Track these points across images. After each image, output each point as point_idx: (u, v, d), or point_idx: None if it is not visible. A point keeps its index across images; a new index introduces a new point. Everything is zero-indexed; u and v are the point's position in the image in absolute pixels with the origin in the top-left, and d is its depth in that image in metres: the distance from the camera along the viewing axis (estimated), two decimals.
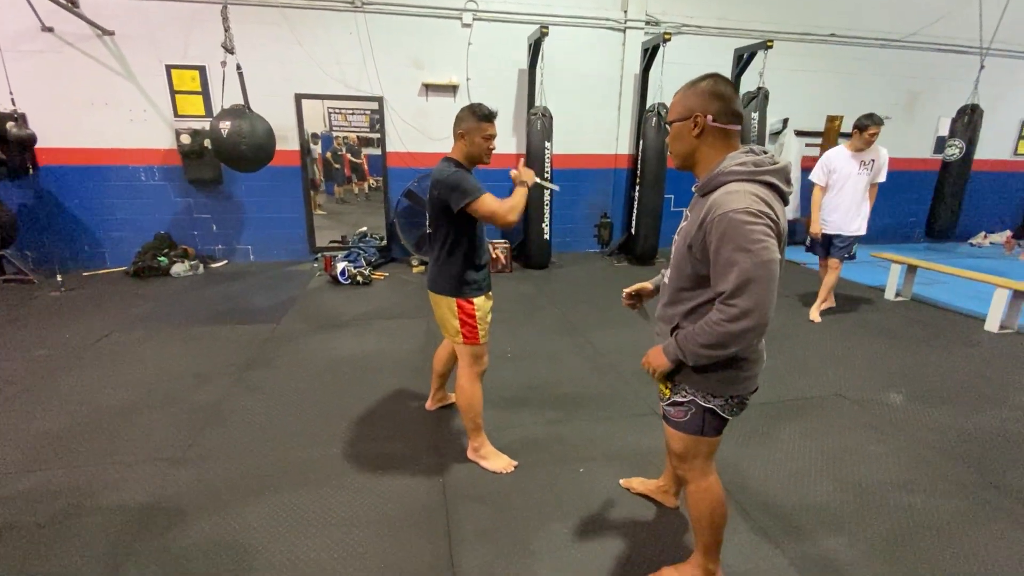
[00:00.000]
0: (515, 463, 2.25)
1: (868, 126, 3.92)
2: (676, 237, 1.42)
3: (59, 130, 5.25)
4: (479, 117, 2.01)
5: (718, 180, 1.26)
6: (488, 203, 1.95)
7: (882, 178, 4.04)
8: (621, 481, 2.16)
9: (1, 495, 2.03)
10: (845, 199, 4.05)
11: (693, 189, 1.38)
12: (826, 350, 3.64)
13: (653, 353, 1.44)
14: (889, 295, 4.92)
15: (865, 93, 7.11)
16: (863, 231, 4.12)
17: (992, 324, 4.07)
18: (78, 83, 5.21)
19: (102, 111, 5.33)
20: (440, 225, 2.05)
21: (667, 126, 1.38)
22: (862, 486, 2.18)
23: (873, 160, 3.98)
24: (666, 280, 1.49)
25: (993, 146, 7.75)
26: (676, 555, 1.78)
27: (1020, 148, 8.11)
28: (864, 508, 2.04)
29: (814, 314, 4.28)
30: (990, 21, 6.35)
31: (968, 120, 6.19)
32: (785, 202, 1.28)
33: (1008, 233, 7.97)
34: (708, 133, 1.30)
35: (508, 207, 1.99)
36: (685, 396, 1.42)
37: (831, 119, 6.80)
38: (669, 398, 1.46)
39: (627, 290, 1.74)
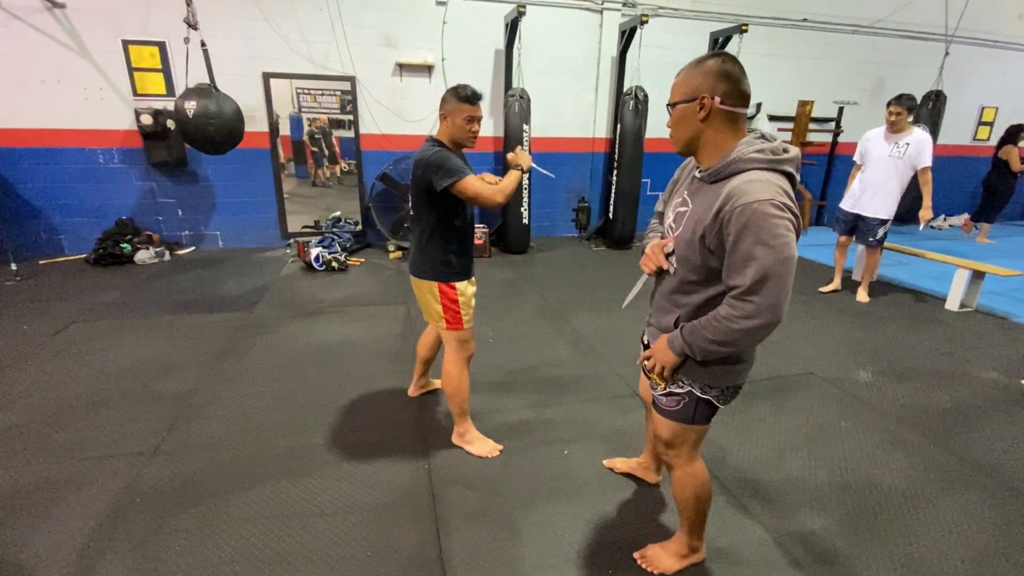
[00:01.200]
0: (500, 447, 2.26)
1: (889, 104, 3.95)
2: (673, 223, 1.34)
3: (8, 109, 4.92)
4: (460, 98, 1.96)
5: (735, 167, 1.17)
6: (471, 184, 1.91)
7: (924, 162, 3.87)
8: (604, 462, 2.20)
9: None
10: (872, 179, 4.08)
11: (697, 175, 1.29)
12: (798, 330, 3.74)
13: (659, 350, 1.36)
14: (857, 276, 5.08)
15: (835, 78, 7.24)
16: (883, 215, 4.09)
17: (953, 303, 4.25)
18: (28, 59, 4.88)
19: (54, 89, 5.01)
20: (422, 207, 2.00)
21: (669, 108, 1.29)
22: (834, 460, 2.26)
23: (908, 144, 3.91)
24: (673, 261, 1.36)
25: (954, 131, 8.02)
26: (660, 533, 1.82)
27: (979, 134, 8.42)
28: (836, 481, 2.12)
29: (861, 295, 4.40)
30: (955, 9, 6.52)
31: (932, 105, 6.39)
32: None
33: (966, 216, 8.30)
34: (715, 116, 1.21)
35: (495, 189, 1.95)
36: (682, 387, 1.38)
37: (802, 104, 6.91)
38: (665, 389, 1.41)
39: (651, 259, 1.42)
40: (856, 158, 4.27)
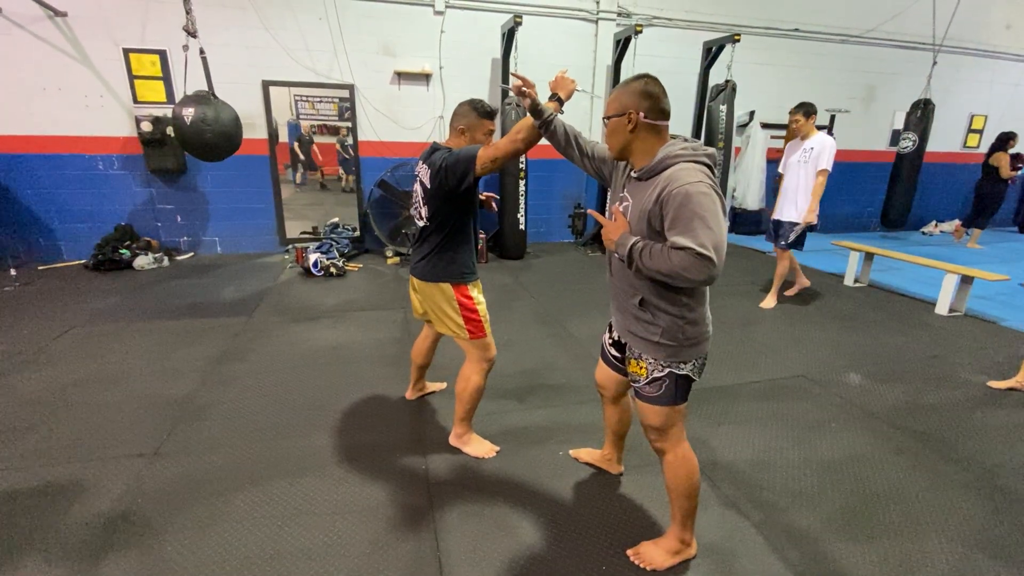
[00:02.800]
0: (497, 448, 2.29)
1: (790, 113, 4.10)
2: (618, 217, 1.51)
3: (9, 116, 4.97)
4: (481, 114, 2.02)
5: (665, 163, 1.40)
6: (485, 151, 1.83)
7: (822, 164, 3.98)
8: (571, 452, 2.28)
9: None
10: (787, 185, 4.24)
11: (633, 175, 1.50)
12: (790, 334, 3.80)
13: (614, 232, 1.47)
14: (848, 281, 5.15)
15: (826, 87, 7.37)
16: (796, 218, 4.16)
17: (942, 308, 4.32)
18: (29, 67, 4.93)
19: (55, 97, 5.06)
20: (445, 213, 2.00)
21: (604, 121, 1.50)
22: (825, 461, 2.31)
23: (812, 148, 4.05)
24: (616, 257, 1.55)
25: (944, 139, 8.15)
26: (653, 531, 1.86)
27: (969, 141, 8.55)
28: (826, 480, 2.17)
29: (768, 301, 4.40)
30: (943, 18, 6.65)
31: (921, 114, 6.50)
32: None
33: (957, 222, 8.41)
34: (641, 128, 1.44)
35: (510, 138, 1.80)
36: (662, 371, 1.53)
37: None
38: (647, 377, 1.55)
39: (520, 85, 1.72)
40: (780, 168, 4.41)
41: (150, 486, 2.03)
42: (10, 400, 2.65)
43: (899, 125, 7.30)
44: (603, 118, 1.51)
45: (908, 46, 7.50)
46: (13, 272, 4.64)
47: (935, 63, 6.51)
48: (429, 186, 1.98)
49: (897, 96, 7.70)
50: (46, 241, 5.36)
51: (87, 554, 1.70)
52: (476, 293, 2.13)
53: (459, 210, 2.02)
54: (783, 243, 4.29)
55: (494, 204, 2.32)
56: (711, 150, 1.45)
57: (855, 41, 7.29)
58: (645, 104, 1.43)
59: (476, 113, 2.01)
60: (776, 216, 4.37)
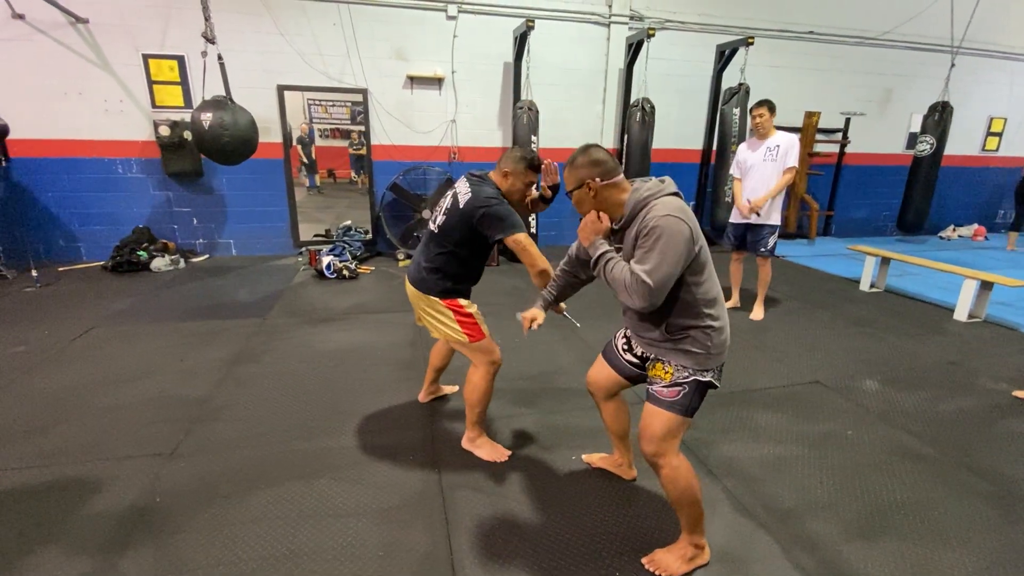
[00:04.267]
0: (509, 452, 2.30)
1: (751, 110, 3.95)
2: (604, 220, 1.60)
3: (31, 121, 5.08)
4: (528, 165, 2.07)
5: (637, 208, 1.51)
6: (525, 240, 2.01)
7: (791, 162, 3.81)
8: (584, 457, 2.28)
9: None
10: (755, 187, 3.95)
11: (614, 227, 1.60)
12: (804, 340, 3.76)
13: (592, 231, 1.59)
14: (864, 286, 5.09)
15: (841, 90, 7.30)
16: (772, 221, 3.98)
17: (961, 314, 4.25)
18: (51, 72, 5.05)
19: (76, 101, 5.18)
20: (458, 239, 2.05)
21: (568, 195, 1.64)
22: (840, 468, 2.28)
23: (778, 145, 3.87)
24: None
25: (962, 142, 8.02)
26: (666, 537, 1.84)
27: (987, 144, 8.41)
28: (841, 488, 2.14)
29: (757, 313, 4.20)
30: (961, 20, 6.56)
31: (939, 117, 6.41)
32: None
33: (976, 226, 8.27)
34: (603, 190, 1.57)
35: (545, 264, 2.05)
36: (686, 377, 1.55)
37: (809, 115, 6.96)
38: (669, 381, 1.57)
39: (527, 323, 1.95)
40: (734, 172, 4.14)
41: (167, 485, 2.06)
42: (32, 398, 2.70)
43: (916, 128, 7.19)
44: (567, 193, 1.65)
45: (925, 48, 7.40)
46: (34, 273, 4.73)
47: (953, 65, 6.42)
48: (461, 207, 2.02)
49: (914, 99, 7.60)
50: (66, 243, 5.47)
51: (106, 550, 1.72)
52: (466, 304, 2.16)
53: (471, 246, 2.07)
54: (764, 250, 4.04)
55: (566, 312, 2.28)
56: (669, 181, 1.56)
57: (871, 43, 7.22)
58: (597, 171, 1.55)
59: (524, 163, 2.07)
60: (745, 221, 4.06)
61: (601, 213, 1.59)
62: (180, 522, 1.86)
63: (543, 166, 2.15)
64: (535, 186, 2.17)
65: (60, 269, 5.21)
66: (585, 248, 1.62)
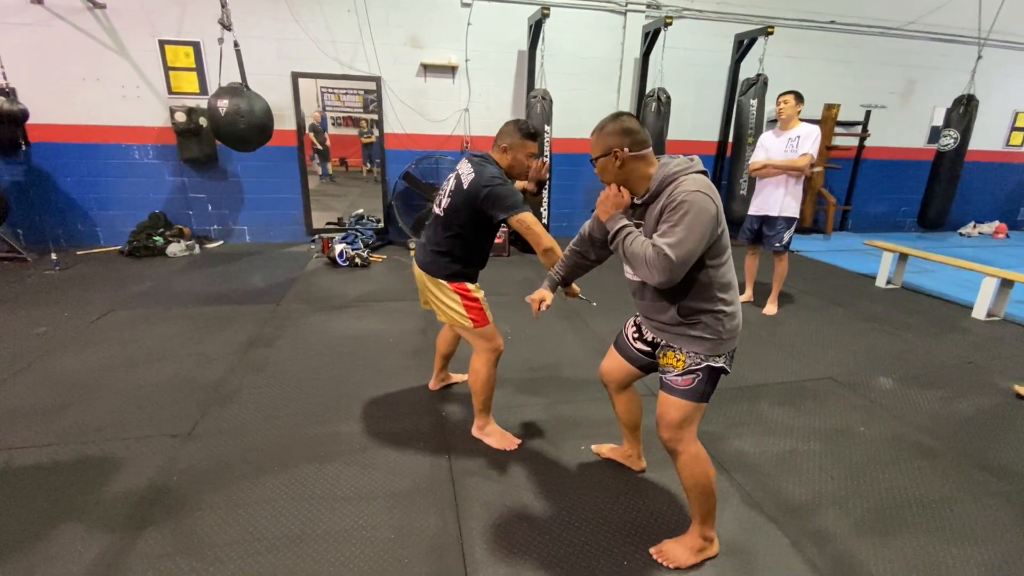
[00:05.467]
0: (518, 440, 2.31)
1: (781, 95, 3.86)
2: (624, 193, 1.58)
3: (50, 106, 5.14)
4: (524, 135, 2.05)
5: (666, 182, 1.47)
6: (530, 219, 1.98)
7: (804, 148, 3.72)
8: (593, 447, 2.29)
9: (10, 469, 2.05)
10: (775, 179, 3.91)
11: (637, 202, 1.56)
12: (818, 336, 3.72)
13: (613, 204, 1.56)
14: (880, 283, 5.02)
15: (862, 81, 7.14)
16: (789, 212, 3.92)
17: (980, 312, 4.17)
18: (69, 58, 5.10)
19: (94, 87, 5.23)
20: (463, 220, 2.04)
21: (592, 162, 1.58)
22: (852, 464, 2.26)
23: (799, 136, 3.79)
24: (630, 276, 1.66)
25: (986, 137, 7.82)
26: (674, 527, 1.85)
27: (1013, 139, 8.20)
28: (852, 484, 2.13)
29: (770, 308, 4.15)
30: (989, 10, 6.37)
31: (963, 110, 6.25)
32: None
33: (997, 223, 8.09)
34: (629, 161, 1.52)
35: (551, 242, 2.02)
36: (699, 364, 1.54)
37: (828, 107, 6.83)
38: (682, 369, 1.56)
39: (535, 304, 1.88)
40: (754, 160, 4.07)
41: (184, 465, 2.10)
42: (52, 379, 2.77)
43: (938, 121, 7.03)
44: (591, 160, 1.58)
45: (951, 39, 7.21)
46: (54, 256, 4.82)
47: (980, 57, 6.24)
48: (464, 187, 2.01)
49: (938, 91, 7.42)
50: (84, 227, 5.56)
51: (125, 527, 1.77)
52: (473, 288, 2.16)
53: (476, 227, 2.06)
54: (779, 246, 3.98)
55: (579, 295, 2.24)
56: (697, 159, 1.53)
57: (894, 34, 7.04)
58: (627, 140, 1.50)
59: (520, 133, 2.05)
60: (762, 212, 4.02)
61: (622, 188, 1.56)
62: (196, 501, 1.91)
63: (539, 162, 2.13)
64: (535, 156, 2.13)
65: (79, 253, 5.30)
66: (603, 222, 1.58)
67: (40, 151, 5.24)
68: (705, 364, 1.54)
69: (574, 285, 2.12)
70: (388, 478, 2.07)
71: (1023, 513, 1.99)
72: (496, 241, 5.70)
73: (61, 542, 1.70)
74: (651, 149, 1.54)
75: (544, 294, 1.89)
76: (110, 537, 1.73)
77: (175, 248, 5.33)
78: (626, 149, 1.50)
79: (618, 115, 1.55)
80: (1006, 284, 4.12)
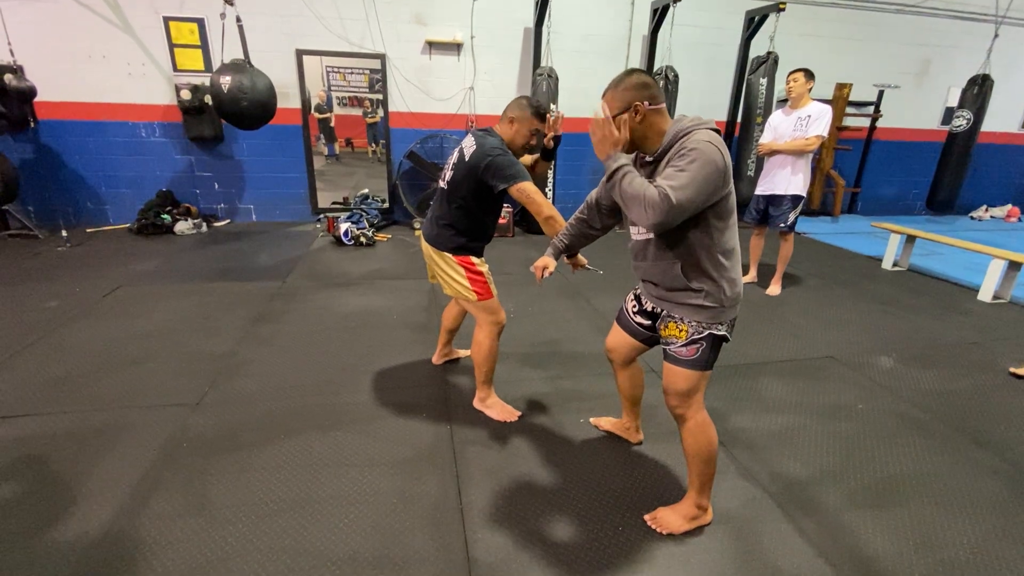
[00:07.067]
0: (519, 413, 2.36)
1: (791, 73, 3.82)
2: (623, 129, 1.52)
3: (57, 83, 5.16)
4: (533, 111, 2.05)
5: (679, 136, 1.45)
6: (531, 188, 1.98)
7: (816, 129, 3.69)
8: (591, 420, 2.33)
9: (26, 435, 2.12)
10: (782, 157, 3.88)
11: (648, 159, 1.54)
12: (821, 316, 3.72)
13: (611, 143, 1.48)
14: (887, 265, 4.99)
15: (876, 60, 6.99)
16: (794, 190, 3.88)
17: (986, 294, 4.15)
18: (75, 35, 5.09)
19: (100, 64, 5.23)
20: (467, 193, 2.07)
21: (612, 120, 1.53)
22: (847, 439, 2.29)
23: (809, 116, 3.75)
24: (635, 236, 1.64)
25: (1001, 118, 7.66)
26: (669, 496, 1.89)
27: None
28: (847, 458, 2.16)
29: (773, 289, 4.14)
30: None
31: (978, 90, 6.12)
32: None
33: (1010, 207, 7.97)
34: (648, 116, 1.50)
35: (548, 202, 2.02)
36: (701, 333, 1.56)
37: (840, 87, 6.71)
38: (685, 340, 1.57)
39: (539, 272, 1.89)
40: (763, 140, 4.04)
41: (193, 433, 2.17)
42: (64, 350, 2.83)
43: (953, 102, 6.88)
44: (611, 117, 1.51)
45: (968, 17, 7.02)
46: (64, 233, 4.89)
47: (996, 36, 6.08)
48: (467, 159, 2.04)
49: (953, 71, 7.25)
50: (94, 205, 5.61)
51: (137, 491, 1.83)
52: (479, 262, 2.19)
53: (479, 199, 2.08)
54: (784, 226, 3.98)
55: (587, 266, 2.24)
56: (710, 120, 1.50)
57: (911, 11, 6.86)
58: (646, 94, 1.49)
59: (530, 109, 2.06)
60: (768, 192, 3.99)
61: (623, 126, 1.49)
62: (205, 466, 1.97)
63: (550, 116, 2.12)
64: (539, 136, 2.13)
65: (88, 230, 5.36)
66: (602, 162, 1.50)
67: (48, 129, 5.27)
68: (708, 332, 1.55)
69: (580, 256, 2.12)
70: (391, 446, 2.13)
71: (1016, 487, 2.02)
72: (500, 222, 5.72)
73: (76, 503, 1.77)
74: (665, 106, 1.53)
75: (547, 261, 1.90)
76: (124, 498, 1.79)
77: (183, 226, 5.38)
78: (646, 103, 1.48)
79: (632, 71, 1.53)
80: (1013, 266, 4.09)
